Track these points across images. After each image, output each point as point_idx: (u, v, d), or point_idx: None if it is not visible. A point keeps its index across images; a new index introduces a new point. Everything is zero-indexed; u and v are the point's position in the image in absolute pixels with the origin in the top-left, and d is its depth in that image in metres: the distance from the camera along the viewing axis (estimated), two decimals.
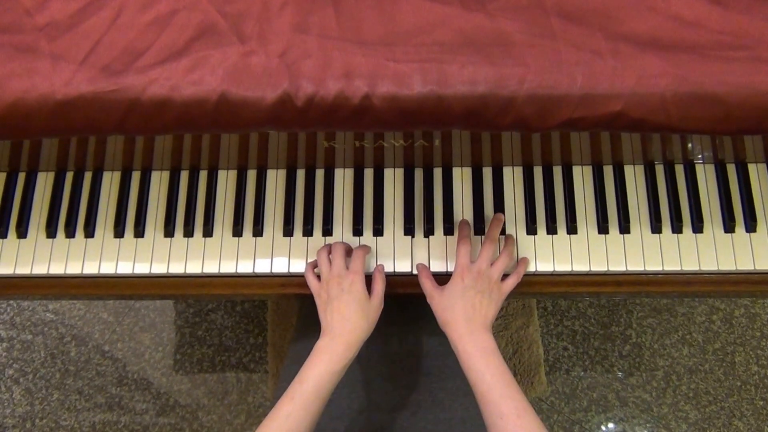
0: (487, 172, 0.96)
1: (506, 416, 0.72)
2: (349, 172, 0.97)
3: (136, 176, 0.97)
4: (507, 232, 0.93)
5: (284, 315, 1.35)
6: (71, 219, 0.95)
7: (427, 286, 0.85)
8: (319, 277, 0.86)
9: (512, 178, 0.96)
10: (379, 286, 0.85)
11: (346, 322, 0.79)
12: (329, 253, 0.87)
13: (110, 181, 0.98)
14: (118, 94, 0.71)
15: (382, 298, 0.85)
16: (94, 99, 0.71)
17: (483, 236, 0.93)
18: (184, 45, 0.73)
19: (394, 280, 0.92)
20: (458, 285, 0.82)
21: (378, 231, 0.94)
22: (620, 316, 1.74)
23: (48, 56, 0.73)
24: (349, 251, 0.88)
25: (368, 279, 0.87)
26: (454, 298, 0.81)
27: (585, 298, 1.72)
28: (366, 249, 0.88)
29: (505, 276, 0.87)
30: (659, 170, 0.95)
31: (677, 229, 0.92)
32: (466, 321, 0.79)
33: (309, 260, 0.93)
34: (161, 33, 0.74)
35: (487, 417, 0.74)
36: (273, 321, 1.36)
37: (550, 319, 1.74)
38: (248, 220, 0.95)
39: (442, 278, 0.93)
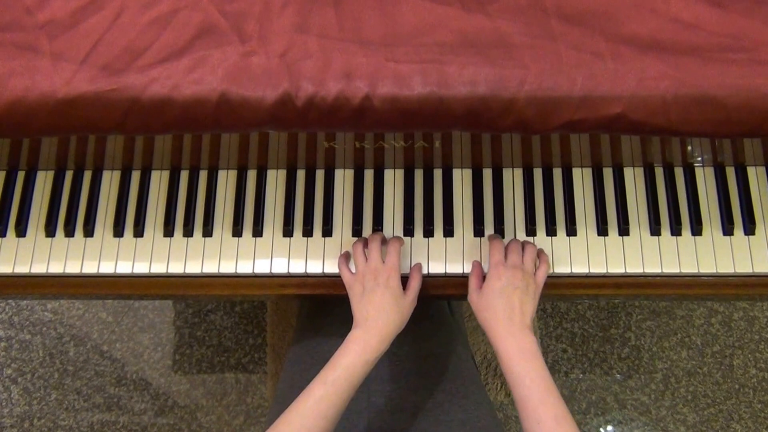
0: (487, 174, 0.96)
1: (544, 422, 0.71)
2: (350, 173, 0.97)
3: (135, 175, 0.97)
4: (506, 234, 0.93)
5: (283, 316, 1.35)
6: (70, 218, 0.95)
7: (473, 284, 0.85)
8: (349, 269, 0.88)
9: (512, 179, 0.96)
10: (415, 283, 0.86)
11: (381, 314, 0.80)
12: (364, 246, 0.87)
13: (110, 181, 0.97)
14: (119, 94, 0.71)
15: (417, 295, 0.85)
16: (94, 98, 0.71)
17: (482, 237, 0.93)
18: (184, 44, 0.73)
19: None
20: (496, 284, 0.81)
21: (377, 232, 0.94)
22: (619, 318, 1.74)
23: (48, 55, 0.73)
24: (383, 241, 0.89)
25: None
26: (494, 298, 0.80)
27: (584, 301, 1.72)
28: (400, 241, 0.88)
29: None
30: (659, 173, 0.95)
31: (676, 231, 0.92)
32: (507, 321, 0.78)
33: (309, 259, 0.93)
34: (162, 32, 0.74)
35: (525, 421, 0.73)
36: (272, 322, 1.36)
37: (549, 321, 1.73)
38: (248, 221, 0.95)
39: (442, 279, 0.93)
